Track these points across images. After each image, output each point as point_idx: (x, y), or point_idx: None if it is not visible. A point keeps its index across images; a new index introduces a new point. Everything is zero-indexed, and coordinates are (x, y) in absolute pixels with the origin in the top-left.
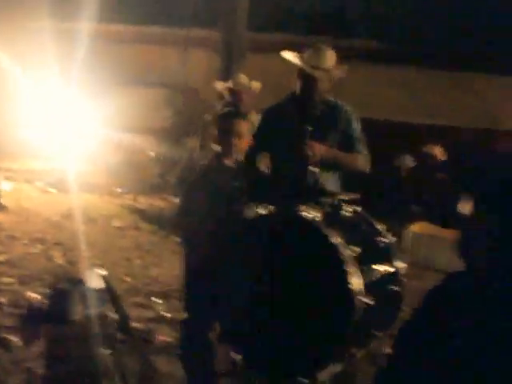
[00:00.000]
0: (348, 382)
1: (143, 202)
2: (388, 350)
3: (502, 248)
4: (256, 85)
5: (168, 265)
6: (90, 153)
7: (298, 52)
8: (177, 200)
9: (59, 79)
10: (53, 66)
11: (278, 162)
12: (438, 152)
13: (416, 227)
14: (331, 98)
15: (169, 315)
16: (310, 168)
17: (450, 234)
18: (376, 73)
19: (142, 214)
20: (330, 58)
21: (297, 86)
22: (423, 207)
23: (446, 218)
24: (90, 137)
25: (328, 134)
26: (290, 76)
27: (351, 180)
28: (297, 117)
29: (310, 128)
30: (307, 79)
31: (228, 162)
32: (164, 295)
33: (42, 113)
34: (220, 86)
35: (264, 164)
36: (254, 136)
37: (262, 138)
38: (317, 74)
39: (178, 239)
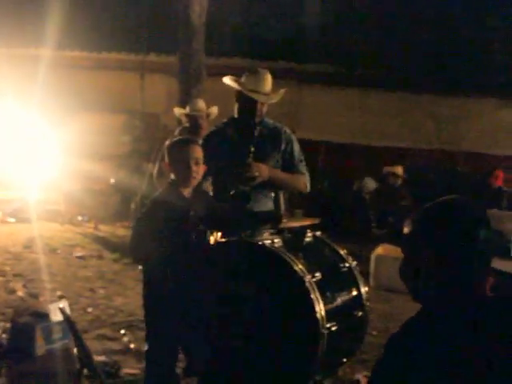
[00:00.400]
0: None
1: (105, 230)
2: (358, 376)
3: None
4: (214, 110)
5: (132, 293)
6: (49, 181)
7: (237, 76)
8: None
9: (16, 106)
10: (9, 92)
11: (222, 186)
12: (399, 171)
13: (380, 250)
14: (269, 120)
15: (134, 346)
16: (269, 193)
17: None
18: (333, 96)
19: (104, 242)
20: (267, 81)
21: (236, 109)
22: (386, 229)
23: None
24: (49, 164)
25: (270, 155)
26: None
27: (313, 204)
28: (237, 139)
29: (252, 149)
30: (245, 102)
31: (184, 190)
32: (129, 326)
33: None
34: (178, 111)
35: (209, 189)
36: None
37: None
38: (255, 96)
39: (140, 267)
